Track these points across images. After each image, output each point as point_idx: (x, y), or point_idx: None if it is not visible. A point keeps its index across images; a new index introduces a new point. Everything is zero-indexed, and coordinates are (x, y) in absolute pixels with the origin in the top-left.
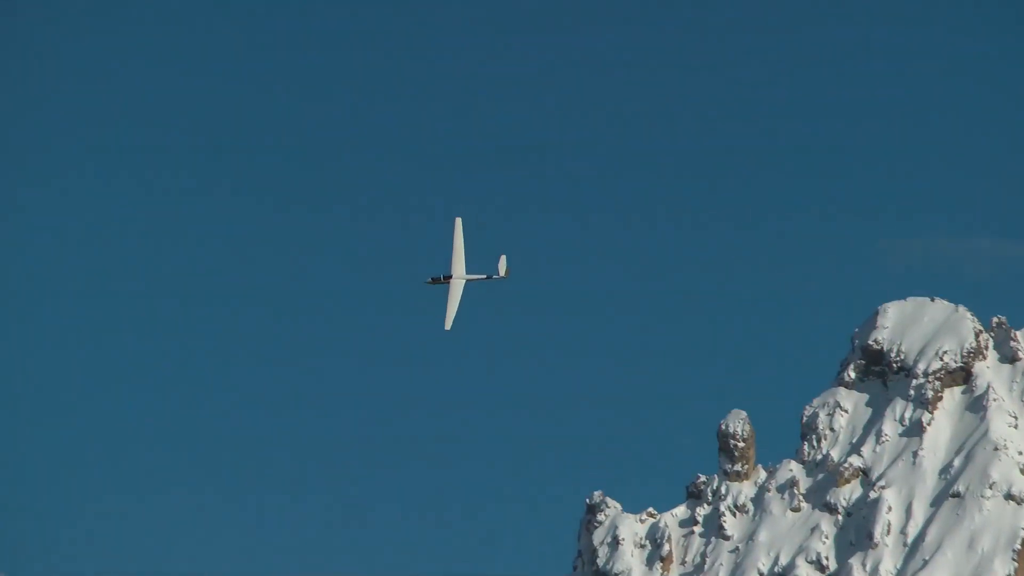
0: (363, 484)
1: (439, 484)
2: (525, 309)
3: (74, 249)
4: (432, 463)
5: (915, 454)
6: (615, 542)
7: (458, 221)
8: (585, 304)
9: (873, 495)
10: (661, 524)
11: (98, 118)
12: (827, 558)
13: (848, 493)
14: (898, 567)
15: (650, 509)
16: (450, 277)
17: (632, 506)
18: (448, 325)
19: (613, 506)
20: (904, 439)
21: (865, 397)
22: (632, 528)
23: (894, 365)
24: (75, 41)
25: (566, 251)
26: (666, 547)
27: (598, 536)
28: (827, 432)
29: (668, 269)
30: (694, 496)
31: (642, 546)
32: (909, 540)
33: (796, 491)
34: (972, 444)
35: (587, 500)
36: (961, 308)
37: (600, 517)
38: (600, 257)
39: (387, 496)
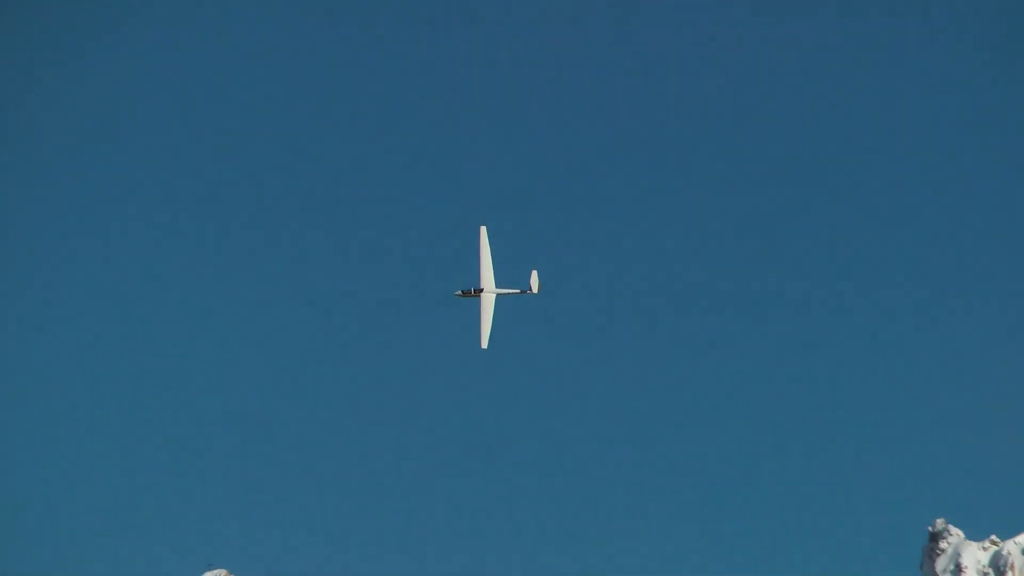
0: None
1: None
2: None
3: (90, 250)
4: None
5: None
6: (957, 569)
7: (483, 230)
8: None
9: None
10: (1004, 551)
11: (107, 118)
12: None
13: None
14: None
15: (993, 536)
16: (481, 290)
17: (975, 533)
18: (484, 343)
19: (956, 533)
20: None
21: None
22: (975, 556)
23: None
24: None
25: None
26: (1009, 574)
27: (941, 564)
28: None
29: None
30: None
31: (985, 574)
32: None
33: None
34: None
35: (929, 528)
36: None
37: (943, 545)
38: None
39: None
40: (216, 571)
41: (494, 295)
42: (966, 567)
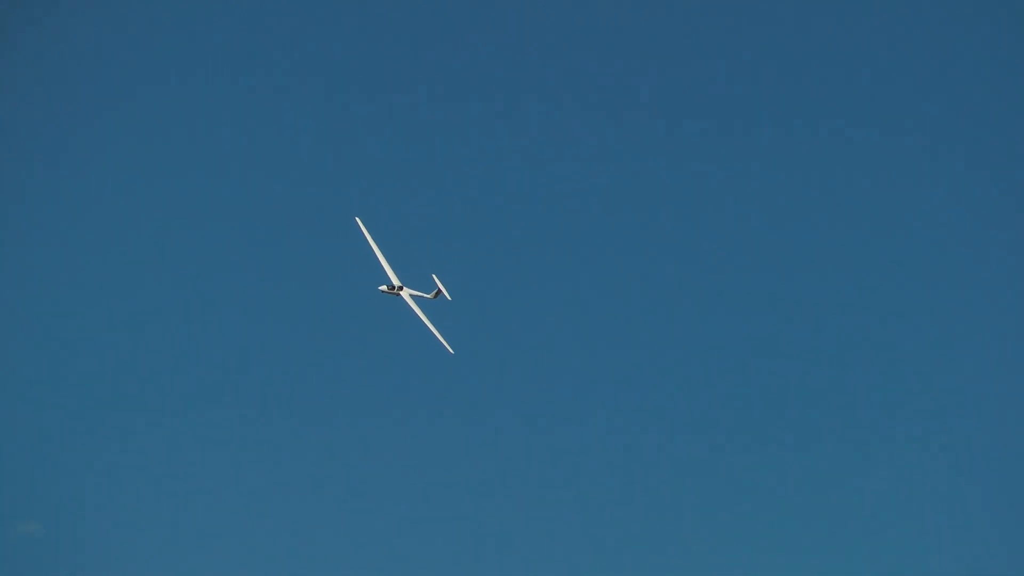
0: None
1: None
2: None
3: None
4: None
5: None
6: None
7: (358, 221)
8: None
9: None
10: None
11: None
12: None
13: None
14: None
15: None
16: (402, 288)
17: None
18: (450, 349)
19: None
20: None
21: None
22: None
23: None
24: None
25: None
26: None
27: None
28: None
29: None
30: None
31: None
32: None
33: None
34: None
35: None
36: None
37: None
38: None
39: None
40: None
41: (411, 295)
42: None
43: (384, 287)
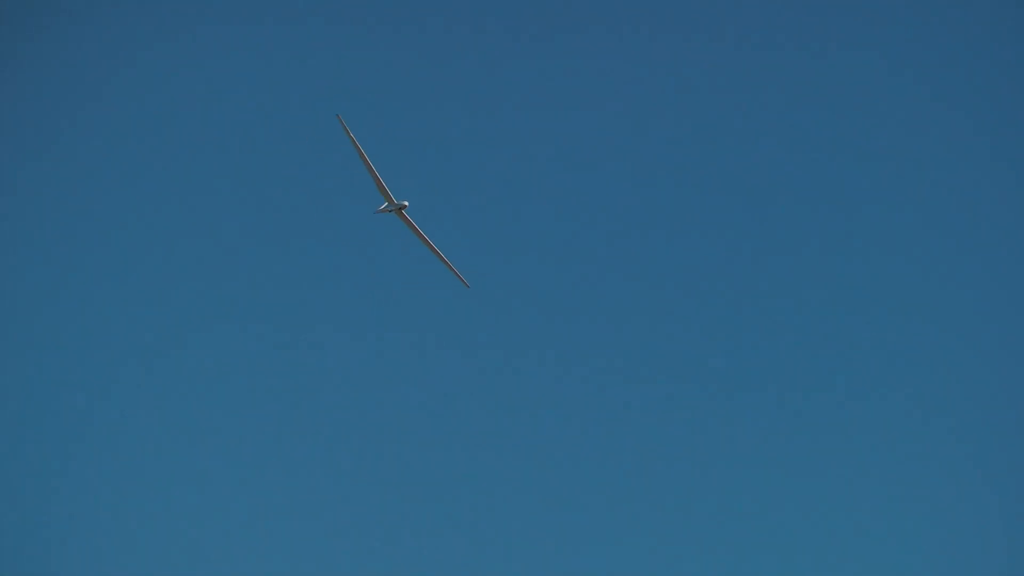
0: None
1: None
2: None
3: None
4: None
5: None
6: None
7: (340, 119)
8: None
9: None
10: None
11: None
12: None
13: None
14: None
15: None
16: (399, 206)
17: None
18: (466, 283)
19: None
20: None
21: None
22: None
23: None
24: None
25: None
26: None
27: None
28: None
29: None
30: None
31: None
32: None
33: None
34: None
35: None
36: None
37: None
38: None
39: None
40: None
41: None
42: None
43: (384, 206)
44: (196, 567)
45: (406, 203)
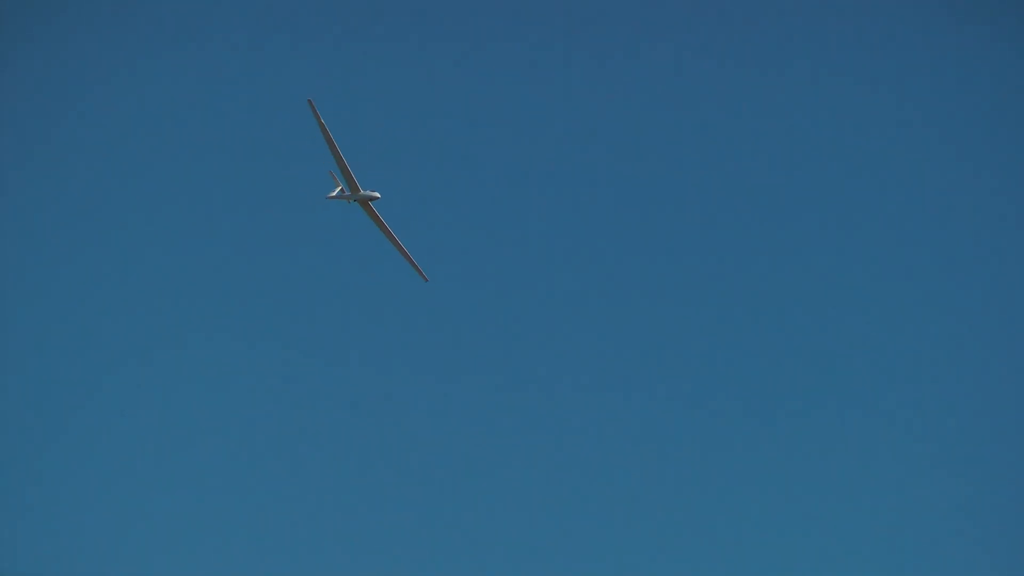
0: None
1: None
2: None
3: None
4: None
5: None
6: None
7: (311, 103)
8: None
9: None
10: None
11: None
12: None
13: None
14: None
15: None
16: (368, 196)
17: None
18: (424, 276)
19: None
20: None
21: None
22: None
23: None
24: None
25: None
26: None
27: None
28: None
29: None
30: None
31: None
32: None
33: None
34: None
35: None
36: None
37: None
38: None
39: None
40: None
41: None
42: None
43: (340, 191)
44: (195, 567)
45: (377, 194)
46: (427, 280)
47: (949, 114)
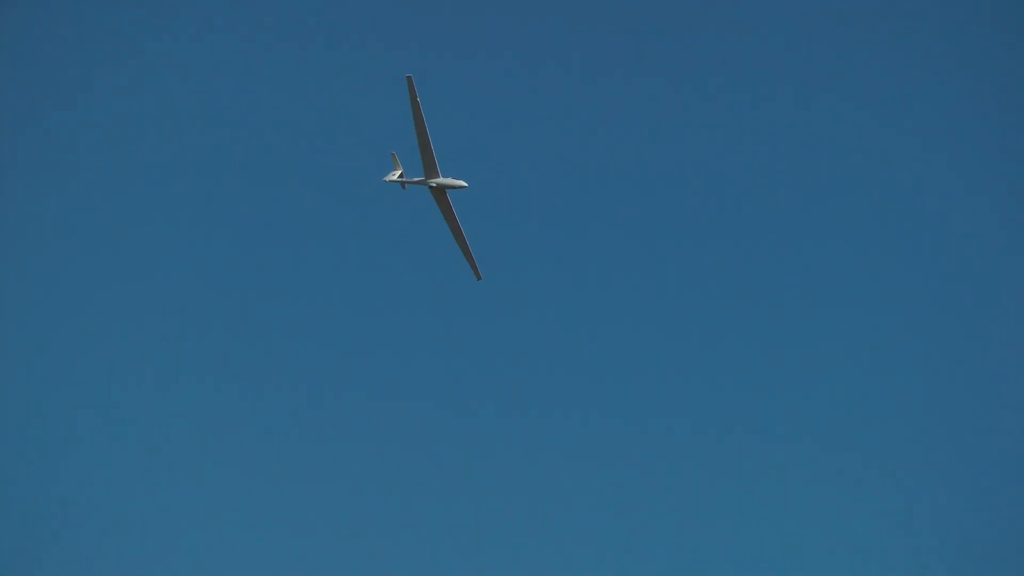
0: None
1: None
2: None
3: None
4: None
5: None
6: None
7: (409, 80)
8: None
9: None
10: None
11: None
12: None
13: None
14: None
15: None
16: (450, 181)
17: None
18: (478, 274)
19: None
20: None
21: None
22: None
23: None
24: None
25: None
26: None
27: None
28: None
29: None
30: None
31: None
32: None
33: None
34: None
35: None
36: None
37: None
38: None
39: None
40: None
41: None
42: None
43: (398, 176)
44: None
45: (464, 183)
46: (480, 279)
47: (949, 114)
